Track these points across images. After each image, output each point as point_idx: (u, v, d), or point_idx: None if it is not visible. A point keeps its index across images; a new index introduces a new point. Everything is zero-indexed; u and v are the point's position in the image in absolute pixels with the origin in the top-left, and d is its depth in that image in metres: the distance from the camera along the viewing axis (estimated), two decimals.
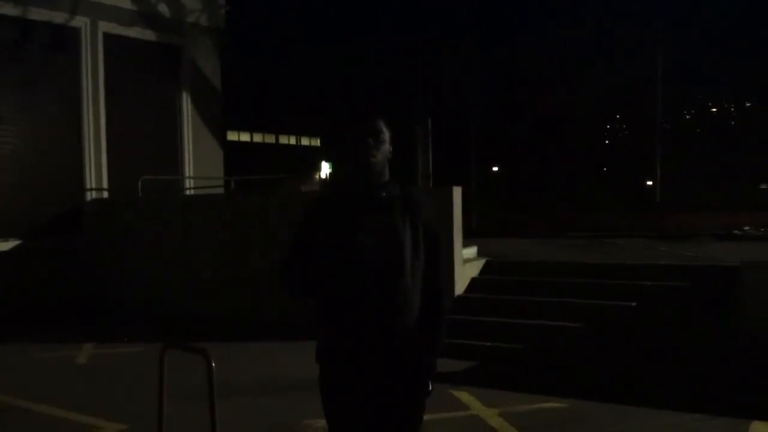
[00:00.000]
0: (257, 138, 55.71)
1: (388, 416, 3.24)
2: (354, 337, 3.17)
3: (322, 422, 3.36)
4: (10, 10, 12.70)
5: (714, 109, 53.85)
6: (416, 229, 3.23)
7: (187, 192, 15.83)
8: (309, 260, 3.21)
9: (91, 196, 13.87)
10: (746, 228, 18.18)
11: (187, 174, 15.78)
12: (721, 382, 7.53)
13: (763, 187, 37.94)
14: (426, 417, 3.36)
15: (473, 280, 10.61)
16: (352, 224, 3.17)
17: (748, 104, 51.69)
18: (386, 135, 3.29)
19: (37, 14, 13.09)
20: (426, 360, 3.25)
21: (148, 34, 15.02)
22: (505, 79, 41.10)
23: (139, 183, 13.39)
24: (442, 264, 3.35)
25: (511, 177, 46.99)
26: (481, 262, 11.03)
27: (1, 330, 11.29)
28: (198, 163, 15.98)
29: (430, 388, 3.26)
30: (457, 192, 10.00)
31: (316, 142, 59.66)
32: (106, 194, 14.08)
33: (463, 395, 7.28)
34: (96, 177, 14.04)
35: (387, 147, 3.29)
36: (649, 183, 39.63)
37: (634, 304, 9.26)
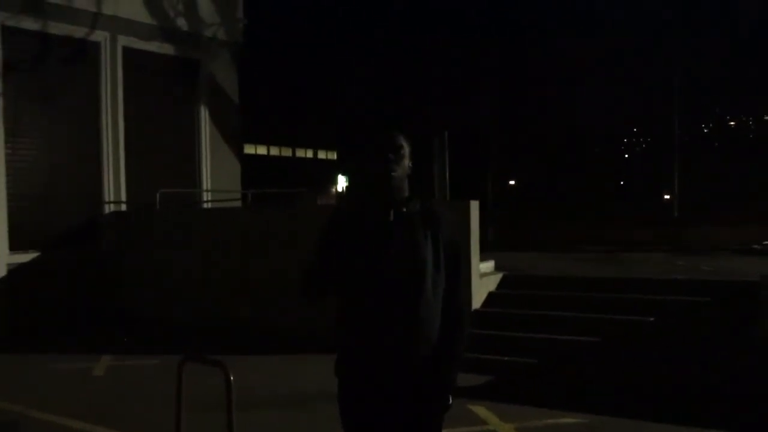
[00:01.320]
0: (274, 151, 55.93)
1: (408, 430, 3.23)
2: (376, 352, 3.16)
3: None
4: (31, 25, 12.81)
5: (732, 123, 53.63)
6: (437, 244, 3.23)
7: (205, 205, 15.89)
8: (332, 269, 3.22)
9: (109, 208, 13.95)
10: (765, 242, 18.05)
11: (204, 187, 15.85)
12: (741, 398, 7.46)
13: None
14: None
15: (490, 295, 10.57)
16: (373, 240, 3.16)
17: (767, 117, 51.44)
18: (406, 150, 3.28)
19: (57, 29, 13.20)
20: (447, 374, 3.24)
21: (166, 48, 15.12)
22: (522, 94, 41.12)
23: (158, 196, 13.46)
24: (463, 279, 3.35)
25: (528, 190, 46.91)
26: (499, 277, 11.00)
27: (19, 342, 11.36)
28: (216, 177, 16.04)
29: (450, 401, 3.26)
30: (475, 206, 9.98)
31: (333, 156, 59.85)
32: (124, 207, 14.15)
33: (480, 410, 7.25)
34: (114, 190, 14.10)
35: (407, 162, 3.28)
36: (667, 196, 39.48)
37: (651, 319, 9.20)
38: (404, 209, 3.23)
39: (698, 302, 9.37)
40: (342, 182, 49.52)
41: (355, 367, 3.24)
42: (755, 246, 17.70)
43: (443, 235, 3.25)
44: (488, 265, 11.23)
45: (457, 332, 3.27)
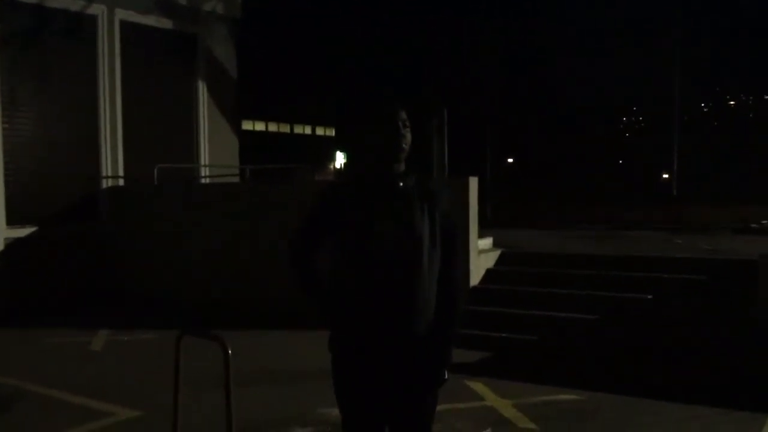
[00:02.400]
0: (272, 128, 55.75)
1: (403, 405, 3.22)
2: (371, 328, 3.14)
3: (336, 411, 3.34)
4: None
5: (732, 102, 53.52)
6: (434, 220, 3.20)
7: (203, 180, 15.84)
8: (318, 240, 3.28)
9: (106, 183, 13.90)
10: (764, 221, 18.06)
11: (202, 162, 15.79)
12: (738, 376, 7.48)
13: None
14: (440, 407, 3.35)
15: (488, 271, 10.57)
16: (370, 214, 3.14)
17: (767, 97, 51.31)
18: (409, 125, 3.27)
19: (54, 1, 13.08)
20: (442, 349, 3.22)
21: (164, 22, 15.00)
22: (521, 71, 40.94)
23: (155, 171, 13.41)
24: (458, 255, 3.33)
25: (526, 168, 46.86)
26: (497, 253, 10.99)
27: (16, 316, 11.35)
28: (213, 152, 15.97)
29: (446, 377, 3.24)
30: (473, 183, 9.96)
31: (331, 132, 59.66)
32: (121, 182, 14.10)
33: (478, 386, 7.26)
34: (112, 165, 14.04)
35: (410, 137, 3.26)
36: (666, 176, 39.48)
37: (650, 296, 9.20)
38: (401, 184, 3.21)
39: (696, 280, 9.38)
40: (340, 159, 49.39)
41: (349, 343, 3.22)
42: (754, 225, 17.70)
43: (440, 212, 3.23)
44: (486, 242, 11.22)
45: (453, 308, 3.25)
